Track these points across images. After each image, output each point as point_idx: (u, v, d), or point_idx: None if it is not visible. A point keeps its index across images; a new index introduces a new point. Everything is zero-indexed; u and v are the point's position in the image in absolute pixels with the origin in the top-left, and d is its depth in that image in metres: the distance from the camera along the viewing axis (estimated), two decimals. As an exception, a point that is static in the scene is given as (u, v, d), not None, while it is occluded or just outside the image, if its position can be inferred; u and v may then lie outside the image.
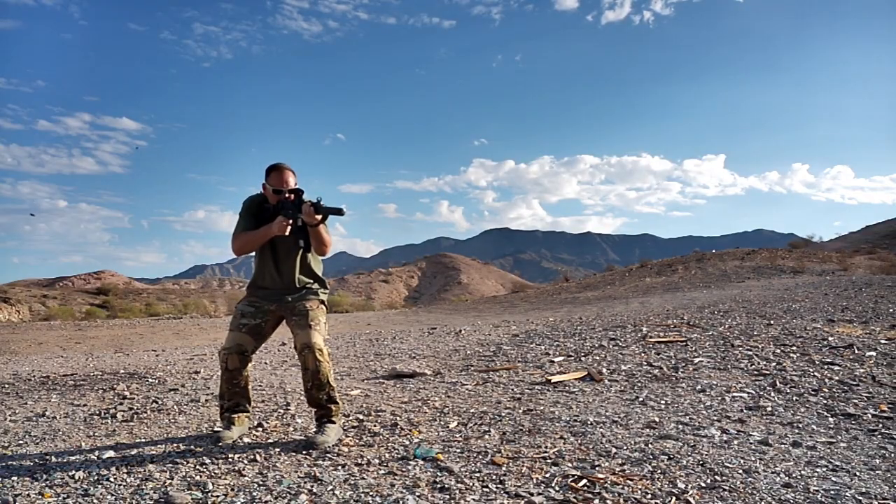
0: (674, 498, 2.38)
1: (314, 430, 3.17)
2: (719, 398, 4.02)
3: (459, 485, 2.54)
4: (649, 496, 2.40)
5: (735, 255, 22.15)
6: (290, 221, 3.00)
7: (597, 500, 2.37)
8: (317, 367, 2.95)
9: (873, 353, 5.14)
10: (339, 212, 2.98)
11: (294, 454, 3.00)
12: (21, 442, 3.39)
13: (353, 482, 2.60)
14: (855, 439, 3.15)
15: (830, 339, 5.90)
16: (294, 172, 3.11)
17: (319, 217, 2.98)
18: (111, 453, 3.07)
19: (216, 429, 3.32)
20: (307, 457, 2.96)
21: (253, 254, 3.27)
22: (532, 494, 2.42)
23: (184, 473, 2.74)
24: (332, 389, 3.06)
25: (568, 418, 3.58)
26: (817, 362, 4.95)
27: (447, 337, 8.37)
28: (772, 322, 7.22)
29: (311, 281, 3.23)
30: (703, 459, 2.80)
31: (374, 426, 3.50)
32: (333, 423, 3.11)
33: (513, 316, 13.05)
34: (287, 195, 3.07)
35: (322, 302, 3.21)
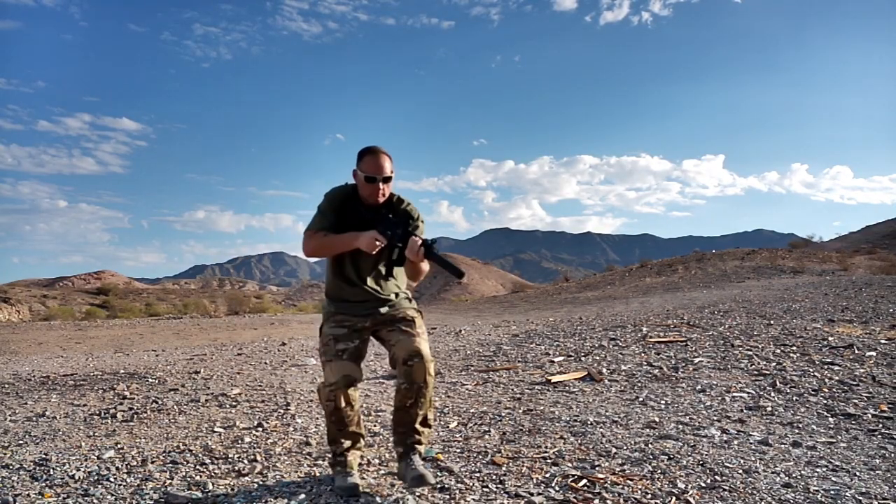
0: (674, 498, 2.38)
1: (401, 458, 2.49)
2: (719, 398, 4.02)
3: (459, 485, 2.54)
4: (649, 496, 2.40)
5: (735, 255, 22.15)
6: (385, 244, 2.43)
7: (597, 500, 2.37)
8: (425, 381, 2.42)
9: (873, 353, 5.14)
10: (457, 273, 2.38)
11: (294, 454, 3.01)
12: (21, 442, 3.39)
13: (353, 482, 2.60)
14: (855, 439, 3.15)
15: (830, 339, 5.90)
16: (391, 158, 2.51)
17: (424, 259, 2.41)
18: (111, 453, 3.07)
19: (337, 484, 2.49)
20: (307, 457, 2.96)
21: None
22: (532, 494, 2.42)
23: (184, 473, 2.74)
24: (431, 409, 2.54)
25: (568, 418, 3.58)
26: (817, 362, 4.95)
27: (447, 337, 8.37)
28: (772, 322, 7.22)
29: (403, 289, 2.70)
30: (703, 459, 2.80)
31: (374, 426, 3.50)
32: (421, 447, 2.54)
33: (513, 316, 13.05)
34: (381, 186, 2.48)
35: (420, 312, 2.67)
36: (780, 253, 22.74)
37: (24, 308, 26.64)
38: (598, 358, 5.61)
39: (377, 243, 2.40)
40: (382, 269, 2.58)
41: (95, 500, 2.45)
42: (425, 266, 2.48)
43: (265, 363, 6.40)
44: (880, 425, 3.36)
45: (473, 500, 2.40)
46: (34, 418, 4.00)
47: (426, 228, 2.59)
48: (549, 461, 2.81)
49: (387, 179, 2.48)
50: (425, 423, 2.52)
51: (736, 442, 3.09)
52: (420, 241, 2.36)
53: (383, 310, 2.57)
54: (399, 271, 2.65)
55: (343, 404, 2.46)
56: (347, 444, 2.53)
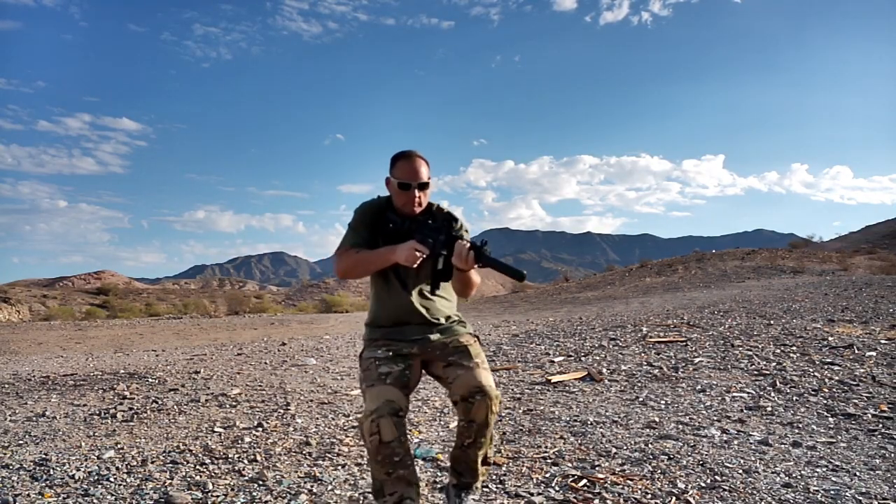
0: (674, 498, 2.38)
1: (453, 493, 2.27)
2: (719, 398, 4.02)
3: (459, 485, 2.54)
4: (649, 496, 2.40)
5: (735, 255, 22.15)
6: (427, 253, 2.10)
7: (597, 500, 2.37)
8: (487, 420, 2.09)
9: (873, 353, 5.14)
10: (518, 275, 1.99)
11: (294, 454, 3.01)
12: (21, 442, 3.39)
13: (352, 482, 2.61)
14: (855, 439, 3.15)
15: (830, 339, 5.90)
16: (428, 163, 2.24)
17: (475, 265, 2.07)
18: (111, 453, 3.07)
19: None
20: (307, 457, 2.96)
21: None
22: (532, 494, 2.43)
23: (184, 473, 2.75)
24: (490, 446, 2.24)
25: (568, 418, 3.58)
26: (817, 362, 4.95)
27: (447, 337, 8.38)
28: (772, 322, 7.22)
29: (455, 311, 2.37)
30: (703, 459, 2.81)
31: (374, 426, 3.50)
32: (476, 489, 2.28)
33: (513, 316, 13.05)
34: (417, 193, 2.19)
35: (477, 337, 2.35)
36: (780, 253, 22.74)
37: (24, 308, 26.65)
38: (598, 358, 5.61)
39: (417, 254, 2.08)
40: (427, 287, 2.26)
41: (95, 500, 2.45)
42: (476, 276, 2.18)
43: (265, 363, 6.40)
44: (880, 425, 3.36)
45: (473, 500, 2.40)
46: (34, 418, 3.99)
47: None
48: (549, 461, 2.81)
49: (423, 186, 2.20)
50: (485, 461, 2.25)
51: (736, 442, 3.09)
52: (468, 245, 2.04)
53: (434, 337, 2.23)
54: (449, 289, 2.34)
55: (389, 437, 1.98)
56: (398, 494, 2.02)
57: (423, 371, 2.26)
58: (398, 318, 2.24)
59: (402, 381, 2.12)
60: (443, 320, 2.27)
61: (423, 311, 2.24)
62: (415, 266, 2.12)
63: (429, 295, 2.26)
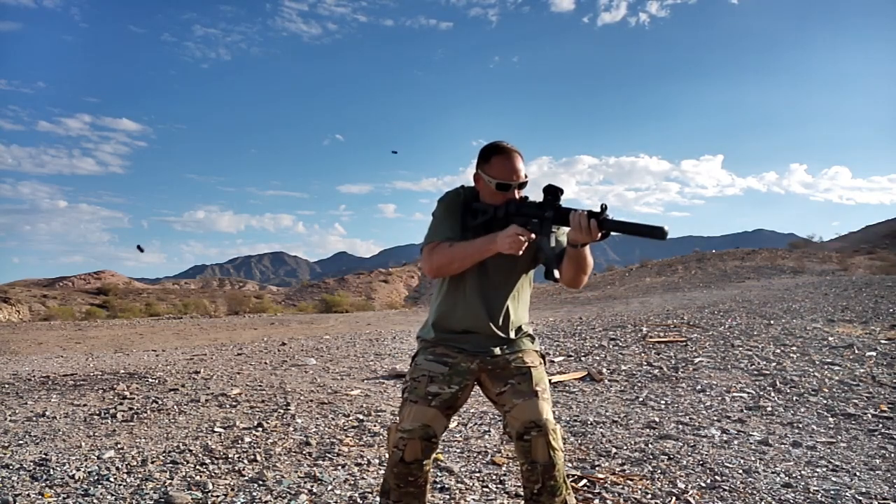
0: (674, 498, 2.38)
1: None
2: (719, 398, 4.02)
3: (459, 485, 2.54)
4: (649, 496, 2.40)
5: (735, 255, 22.16)
6: (533, 236, 1.85)
7: (597, 500, 2.37)
8: (550, 459, 1.84)
9: (873, 353, 5.14)
10: (658, 234, 1.62)
11: (294, 454, 3.01)
12: (21, 442, 3.39)
13: (352, 482, 2.61)
14: (855, 439, 3.15)
15: (830, 339, 5.90)
16: (523, 156, 2.00)
17: (600, 235, 1.77)
18: (111, 453, 3.07)
19: None
20: (307, 457, 2.96)
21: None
22: (532, 494, 2.42)
23: (184, 473, 2.75)
24: (569, 493, 1.90)
25: (568, 418, 3.58)
26: (817, 362, 4.95)
27: (447, 337, 8.38)
28: (772, 322, 7.22)
29: (527, 323, 2.12)
30: (703, 459, 2.81)
31: (374, 426, 3.50)
32: None
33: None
34: (517, 194, 1.96)
35: (543, 356, 2.09)
36: (780, 253, 22.74)
37: (24, 308, 26.66)
38: (598, 358, 5.61)
39: (522, 239, 1.82)
40: (517, 297, 2.05)
41: (95, 500, 2.45)
42: (590, 256, 1.87)
43: (265, 363, 6.40)
44: (880, 425, 3.36)
45: (473, 500, 2.40)
46: (34, 418, 3.99)
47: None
48: (549, 461, 2.81)
49: (523, 185, 1.96)
50: None
51: (736, 442, 3.09)
52: (585, 213, 1.74)
53: (497, 351, 2.01)
54: (525, 295, 2.10)
55: (411, 459, 1.89)
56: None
57: (476, 386, 2.04)
58: (467, 326, 2.01)
59: (449, 403, 1.96)
60: (513, 333, 2.03)
61: (497, 321, 2.01)
62: (519, 253, 1.86)
63: (508, 302, 2.02)
